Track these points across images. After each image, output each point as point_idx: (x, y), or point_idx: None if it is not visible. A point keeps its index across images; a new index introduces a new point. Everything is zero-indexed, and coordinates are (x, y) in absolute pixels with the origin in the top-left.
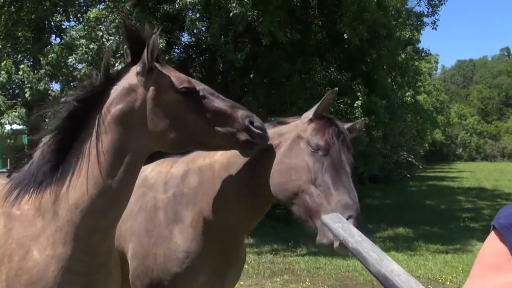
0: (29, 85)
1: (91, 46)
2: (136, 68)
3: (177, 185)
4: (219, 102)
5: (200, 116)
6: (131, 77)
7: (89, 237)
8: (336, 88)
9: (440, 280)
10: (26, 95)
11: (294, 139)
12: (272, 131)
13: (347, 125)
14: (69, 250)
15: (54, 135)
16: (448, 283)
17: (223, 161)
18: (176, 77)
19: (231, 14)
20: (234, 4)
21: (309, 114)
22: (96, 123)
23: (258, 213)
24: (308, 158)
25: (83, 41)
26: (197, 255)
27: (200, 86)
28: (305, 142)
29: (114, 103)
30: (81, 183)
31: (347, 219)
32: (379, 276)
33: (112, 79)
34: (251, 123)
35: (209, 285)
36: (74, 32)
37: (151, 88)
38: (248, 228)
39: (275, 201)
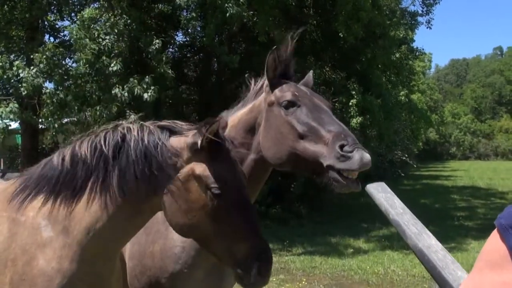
0: (24, 81)
1: (92, 46)
2: None
3: None
4: None
5: None
6: None
7: (94, 260)
8: (275, 47)
9: None
10: (21, 90)
11: (267, 109)
12: (247, 109)
13: (304, 81)
14: (74, 268)
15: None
16: None
17: None
18: None
19: (227, 14)
20: (230, 4)
21: (266, 82)
22: None
23: (254, 189)
24: (286, 118)
25: (86, 40)
26: (192, 249)
27: None
28: (276, 106)
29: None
30: (97, 209)
31: (342, 147)
32: (415, 250)
33: None
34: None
35: (207, 280)
36: (74, 32)
37: None
38: None
39: (279, 168)
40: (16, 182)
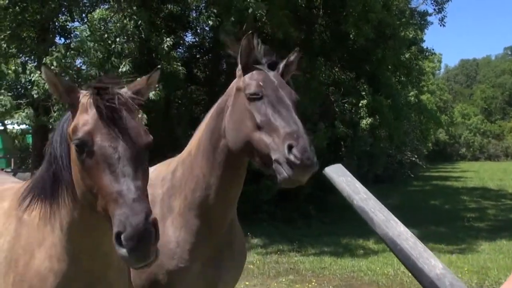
0: (36, 84)
1: (99, 48)
2: None
3: (170, 179)
4: None
5: None
6: None
7: (82, 256)
8: (250, 32)
9: None
10: (33, 93)
11: (235, 94)
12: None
13: (283, 62)
14: (64, 267)
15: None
16: None
17: (196, 143)
18: None
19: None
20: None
21: (239, 67)
22: None
23: (234, 179)
24: (247, 107)
25: (91, 44)
26: (187, 243)
27: None
28: (242, 93)
29: None
30: (69, 206)
31: (290, 148)
32: (386, 239)
33: None
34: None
35: (204, 273)
36: (83, 34)
37: None
38: (230, 204)
39: (238, 156)
40: (27, 182)
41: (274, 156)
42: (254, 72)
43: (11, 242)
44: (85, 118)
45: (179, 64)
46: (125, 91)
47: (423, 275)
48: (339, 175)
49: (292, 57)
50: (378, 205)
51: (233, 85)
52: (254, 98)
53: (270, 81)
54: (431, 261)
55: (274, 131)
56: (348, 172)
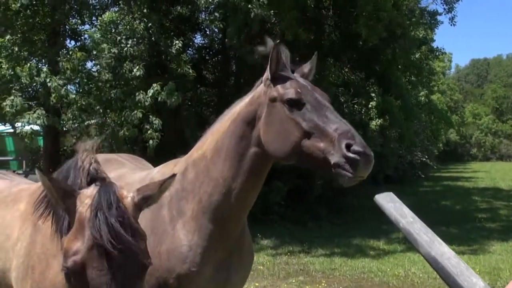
0: (52, 92)
1: (112, 50)
2: None
3: (178, 181)
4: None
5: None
6: None
7: None
8: (278, 41)
9: None
10: (51, 98)
11: (268, 104)
12: (246, 101)
13: (308, 67)
14: None
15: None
16: None
17: (213, 146)
18: None
19: (252, 15)
20: (254, 6)
21: (267, 76)
22: None
23: (256, 184)
24: (290, 115)
25: (104, 45)
26: (199, 247)
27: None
28: (279, 102)
29: None
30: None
31: (348, 147)
32: (429, 258)
33: None
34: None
35: (215, 277)
36: (96, 35)
37: None
38: (248, 208)
39: (283, 162)
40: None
41: (333, 160)
42: (287, 81)
43: (28, 248)
44: (77, 246)
45: (188, 67)
46: (133, 196)
47: None
48: (388, 201)
49: (314, 61)
50: (424, 228)
51: (261, 94)
52: (295, 106)
53: (305, 87)
54: (472, 279)
55: (326, 135)
56: (396, 199)
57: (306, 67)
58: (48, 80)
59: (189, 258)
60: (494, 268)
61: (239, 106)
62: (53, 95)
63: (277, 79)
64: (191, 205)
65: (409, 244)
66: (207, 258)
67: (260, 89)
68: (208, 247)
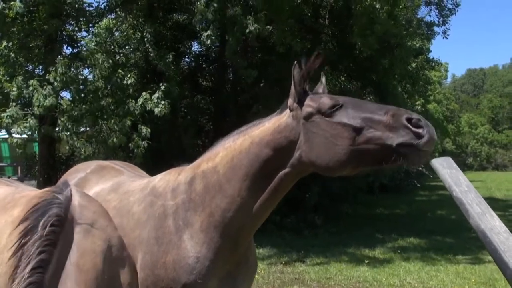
0: (36, 104)
1: (108, 60)
2: None
3: (185, 191)
4: None
5: None
6: None
7: None
8: (296, 61)
9: None
10: (36, 110)
11: (304, 123)
12: (270, 128)
13: (323, 81)
14: None
15: None
16: None
17: (227, 162)
18: None
19: (247, 30)
20: (250, 21)
21: (291, 100)
22: None
23: (276, 201)
24: (333, 121)
25: (99, 54)
26: (207, 260)
27: None
28: (317, 116)
29: None
30: None
31: (409, 120)
32: (478, 230)
33: None
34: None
35: None
36: (91, 44)
37: None
38: (261, 223)
39: (338, 173)
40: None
41: (396, 141)
42: (313, 97)
43: None
44: None
45: (179, 78)
46: None
47: (507, 268)
48: (444, 167)
49: (323, 80)
50: (478, 199)
51: (287, 120)
52: (335, 110)
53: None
54: None
55: (378, 122)
56: (454, 164)
57: (319, 88)
58: (35, 91)
59: (196, 269)
60: (490, 278)
61: (261, 131)
62: (37, 107)
63: (301, 100)
64: (200, 217)
65: (404, 254)
66: (214, 270)
67: (285, 116)
68: (216, 260)
